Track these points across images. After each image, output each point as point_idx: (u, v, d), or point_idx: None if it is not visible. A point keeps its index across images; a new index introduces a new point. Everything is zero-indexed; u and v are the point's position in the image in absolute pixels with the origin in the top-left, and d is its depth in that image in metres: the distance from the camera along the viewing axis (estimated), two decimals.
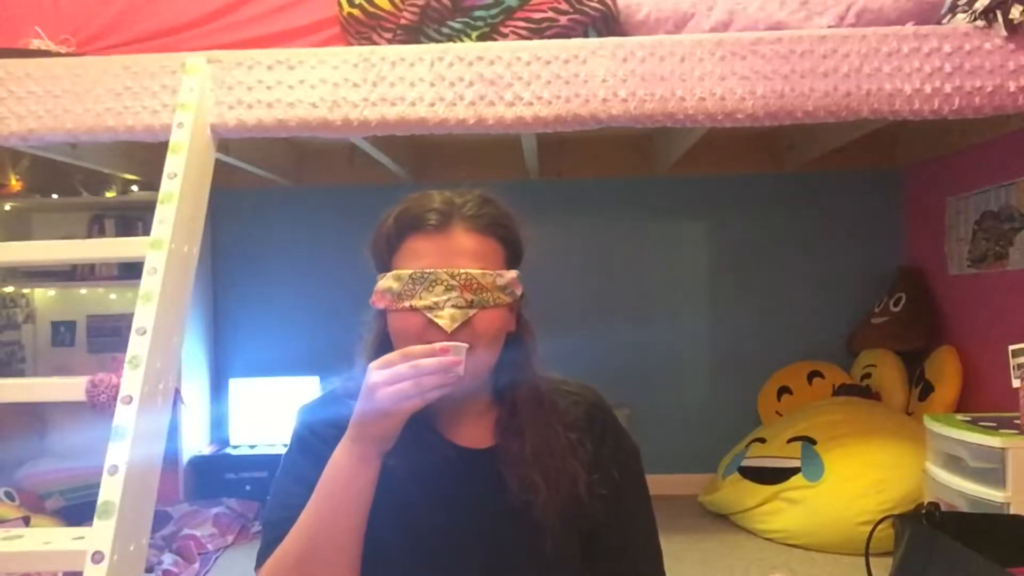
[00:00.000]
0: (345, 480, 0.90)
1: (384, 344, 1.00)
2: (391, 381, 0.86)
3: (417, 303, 0.93)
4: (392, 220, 0.98)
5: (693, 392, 4.29)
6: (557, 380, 1.08)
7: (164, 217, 1.93)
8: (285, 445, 1.06)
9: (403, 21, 2.26)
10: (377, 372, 0.87)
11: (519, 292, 1.00)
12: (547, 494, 0.96)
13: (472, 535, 0.97)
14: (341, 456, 0.91)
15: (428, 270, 0.94)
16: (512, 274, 0.99)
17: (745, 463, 3.68)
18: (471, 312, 0.93)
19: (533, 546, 0.96)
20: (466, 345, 0.90)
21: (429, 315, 0.93)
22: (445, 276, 0.93)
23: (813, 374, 4.10)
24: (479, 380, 0.98)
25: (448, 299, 0.93)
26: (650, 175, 4.20)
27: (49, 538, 1.55)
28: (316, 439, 1.00)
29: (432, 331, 0.93)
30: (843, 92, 2.19)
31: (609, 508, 1.01)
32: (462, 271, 0.94)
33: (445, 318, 0.92)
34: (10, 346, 3.96)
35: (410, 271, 0.94)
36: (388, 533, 0.94)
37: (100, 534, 1.49)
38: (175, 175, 1.99)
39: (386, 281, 0.96)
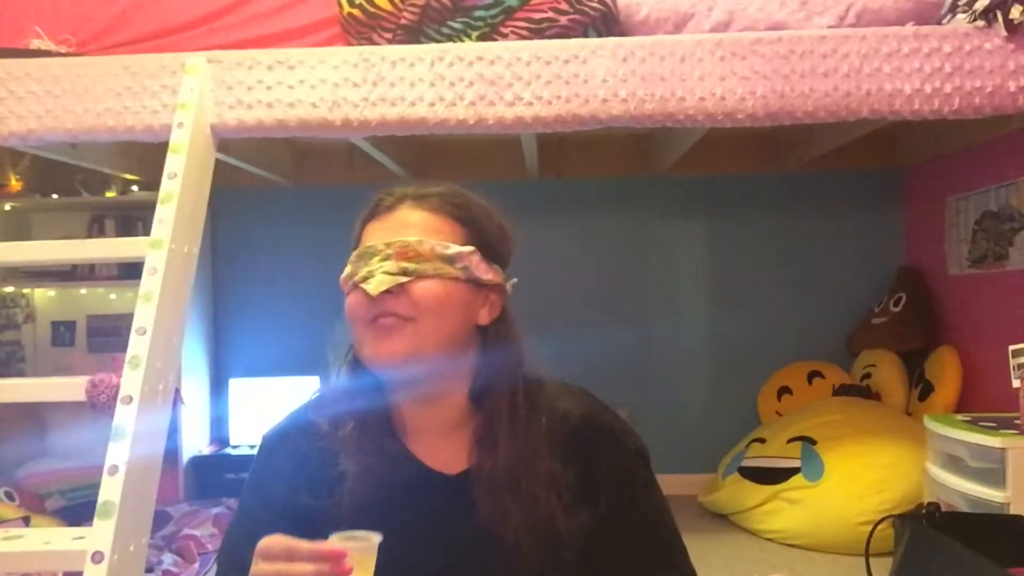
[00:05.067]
0: None
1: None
2: None
3: (356, 278, 0.92)
4: (358, 219, 1.00)
5: (693, 392, 4.28)
6: (548, 388, 0.99)
7: (164, 217, 1.93)
8: None
9: (403, 21, 2.26)
10: (256, 562, 0.78)
11: (485, 276, 0.94)
12: (519, 520, 0.89)
13: (436, 563, 0.91)
14: None
15: (368, 244, 0.93)
16: (465, 249, 0.93)
17: (745, 463, 3.67)
18: (402, 279, 0.89)
19: (504, 574, 0.90)
20: (375, 542, 0.77)
21: (361, 285, 0.90)
22: (381, 247, 0.92)
23: (813, 374, 4.10)
24: (423, 357, 0.90)
25: (380, 267, 0.90)
26: (650, 175, 4.20)
27: (49, 538, 1.55)
28: (273, 477, 0.96)
29: (369, 303, 0.90)
30: (843, 92, 2.19)
31: (604, 532, 0.94)
32: (397, 240, 0.92)
33: (371, 284, 0.89)
34: (10, 346, 3.96)
35: (356, 251, 0.95)
36: None
37: (100, 534, 1.49)
38: (175, 175, 1.99)
39: (345, 269, 0.95)
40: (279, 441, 0.98)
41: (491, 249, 0.98)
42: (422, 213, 0.95)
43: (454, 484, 0.94)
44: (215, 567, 0.97)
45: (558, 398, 0.98)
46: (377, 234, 0.94)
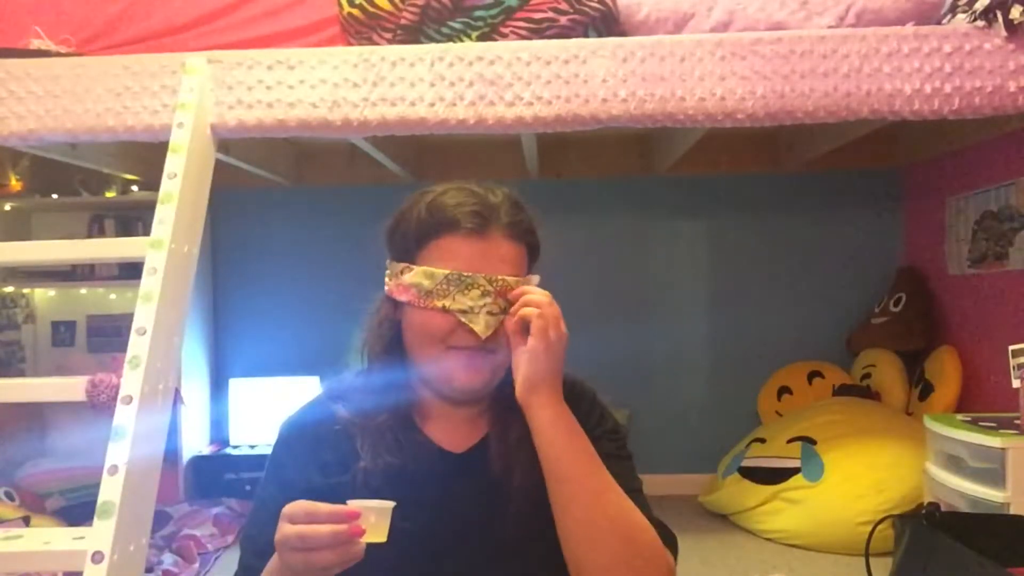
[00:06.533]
0: None
1: (397, 335, 1.00)
2: (284, 545, 0.81)
3: (450, 305, 0.93)
4: (425, 213, 0.97)
5: (693, 392, 4.29)
6: None
7: (164, 217, 1.93)
8: None
9: (403, 21, 2.26)
10: (281, 526, 0.82)
11: None
12: (524, 478, 0.95)
13: (445, 533, 0.96)
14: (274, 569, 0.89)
15: (466, 273, 0.94)
16: (536, 279, 1.00)
17: (745, 463, 3.67)
18: (502, 318, 0.95)
19: (509, 547, 0.96)
20: (390, 507, 0.84)
21: (463, 319, 0.93)
22: (483, 281, 0.94)
23: (813, 374, 4.10)
24: (497, 380, 0.99)
25: (484, 305, 0.93)
26: (650, 175, 4.20)
27: (49, 538, 1.55)
28: (291, 463, 1.00)
29: (460, 334, 0.94)
30: (843, 92, 2.19)
31: None
32: (500, 278, 0.95)
33: (480, 324, 0.93)
34: (10, 346, 3.96)
35: (446, 271, 0.94)
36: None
37: (100, 534, 1.49)
38: (175, 175, 1.99)
39: (415, 276, 0.95)
40: (296, 429, 1.03)
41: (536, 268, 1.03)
42: (513, 246, 0.98)
43: (462, 461, 1.00)
44: (239, 549, 1.02)
45: None
46: (467, 258, 0.94)
